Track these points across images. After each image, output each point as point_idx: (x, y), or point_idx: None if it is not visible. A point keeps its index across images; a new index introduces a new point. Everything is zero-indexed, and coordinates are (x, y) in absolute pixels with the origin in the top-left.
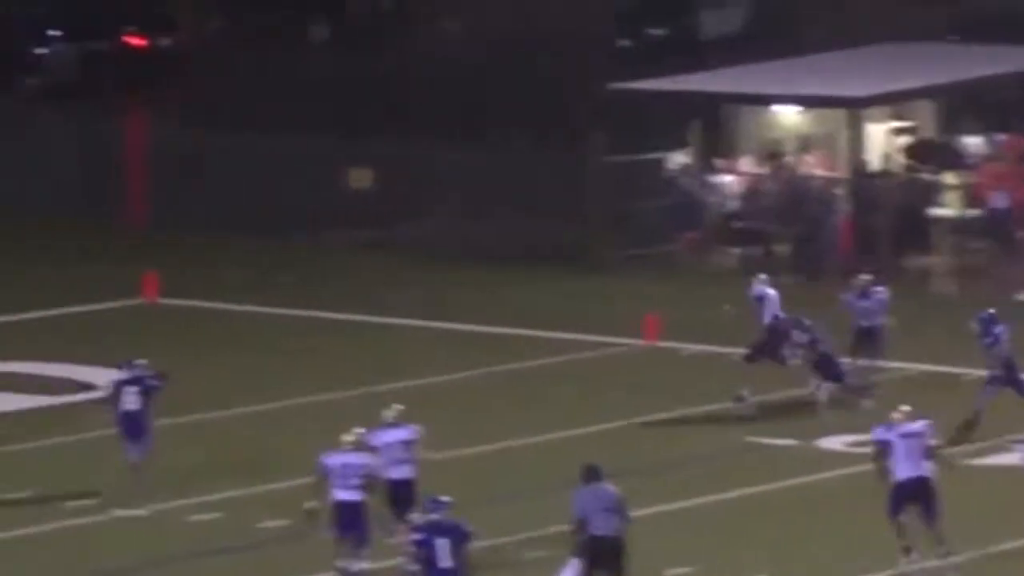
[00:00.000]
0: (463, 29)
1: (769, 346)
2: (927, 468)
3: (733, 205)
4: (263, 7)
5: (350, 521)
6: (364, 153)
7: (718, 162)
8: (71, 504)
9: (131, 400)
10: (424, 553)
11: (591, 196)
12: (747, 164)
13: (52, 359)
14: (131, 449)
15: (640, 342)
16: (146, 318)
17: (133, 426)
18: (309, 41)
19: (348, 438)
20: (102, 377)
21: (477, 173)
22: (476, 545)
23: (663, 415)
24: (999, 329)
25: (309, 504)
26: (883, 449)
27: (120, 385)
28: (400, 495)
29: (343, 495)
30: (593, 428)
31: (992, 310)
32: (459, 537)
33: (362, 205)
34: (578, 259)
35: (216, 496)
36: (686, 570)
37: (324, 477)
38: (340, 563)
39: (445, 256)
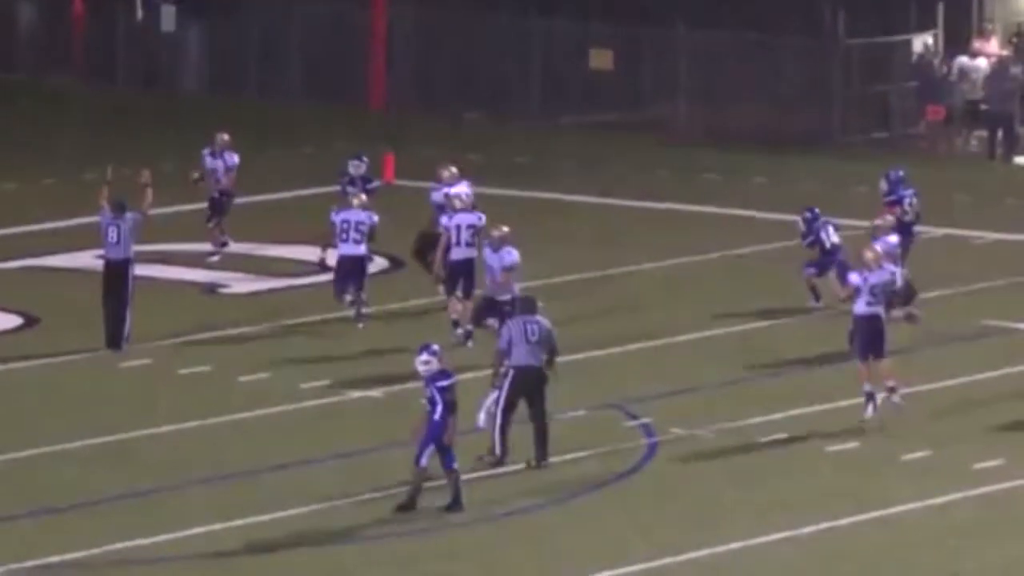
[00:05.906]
0: None
1: None
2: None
3: (982, 89)
4: None
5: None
6: (605, 34)
7: (974, 45)
8: (306, 386)
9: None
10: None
11: (833, 78)
12: (995, 46)
13: (289, 241)
14: None
15: None
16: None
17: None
18: None
19: (355, 201)
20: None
21: (718, 55)
22: None
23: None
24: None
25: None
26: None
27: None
28: (462, 270)
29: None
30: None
31: (901, 172)
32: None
33: (602, 86)
34: (819, 142)
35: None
36: (921, 455)
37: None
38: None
39: (684, 139)
